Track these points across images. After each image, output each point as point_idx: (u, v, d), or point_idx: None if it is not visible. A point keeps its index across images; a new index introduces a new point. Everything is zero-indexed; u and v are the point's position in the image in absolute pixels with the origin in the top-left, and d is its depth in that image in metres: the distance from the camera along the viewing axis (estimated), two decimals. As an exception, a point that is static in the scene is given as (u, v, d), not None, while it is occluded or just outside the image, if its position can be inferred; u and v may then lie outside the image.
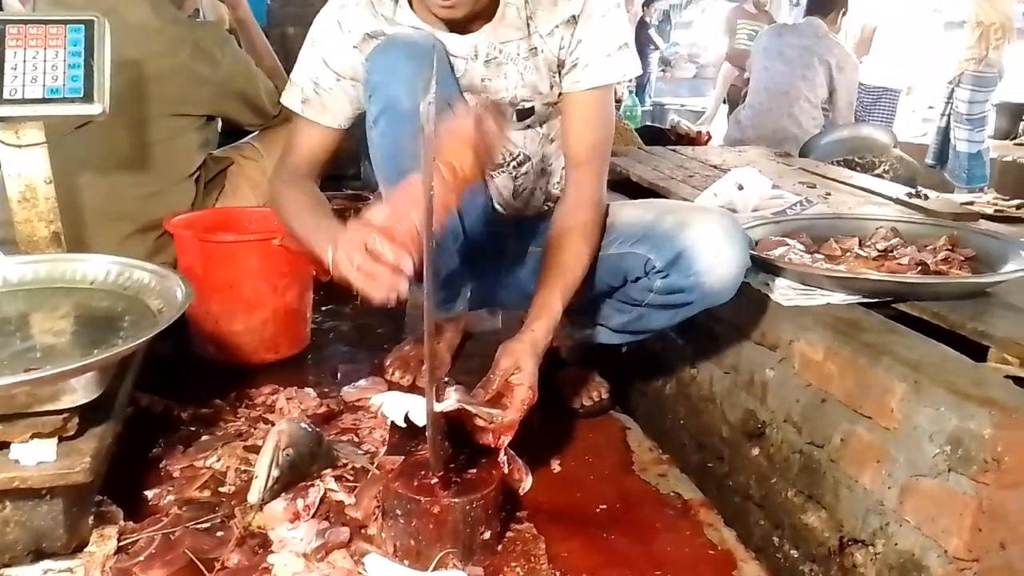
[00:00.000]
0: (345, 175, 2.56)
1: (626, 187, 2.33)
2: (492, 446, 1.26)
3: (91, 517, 1.22)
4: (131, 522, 1.28)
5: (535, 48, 1.43)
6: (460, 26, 1.40)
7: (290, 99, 1.50)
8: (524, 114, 1.51)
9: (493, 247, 1.66)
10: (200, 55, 1.96)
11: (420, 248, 1.07)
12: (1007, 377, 1.05)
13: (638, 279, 1.46)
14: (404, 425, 1.24)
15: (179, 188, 2.01)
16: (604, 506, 1.45)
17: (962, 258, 1.45)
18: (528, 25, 1.42)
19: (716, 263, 1.34)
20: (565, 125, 1.49)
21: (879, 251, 1.52)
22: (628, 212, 1.52)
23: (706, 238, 1.35)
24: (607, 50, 1.42)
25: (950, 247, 1.49)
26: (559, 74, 1.46)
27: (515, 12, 1.41)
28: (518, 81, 1.46)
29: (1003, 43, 4.56)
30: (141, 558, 1.19)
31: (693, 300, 1.39)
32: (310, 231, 1.38)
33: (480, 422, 1.22)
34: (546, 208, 1.67)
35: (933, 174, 4.57)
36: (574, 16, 1.41)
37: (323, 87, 1.45)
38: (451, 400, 1.18)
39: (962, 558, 0.96)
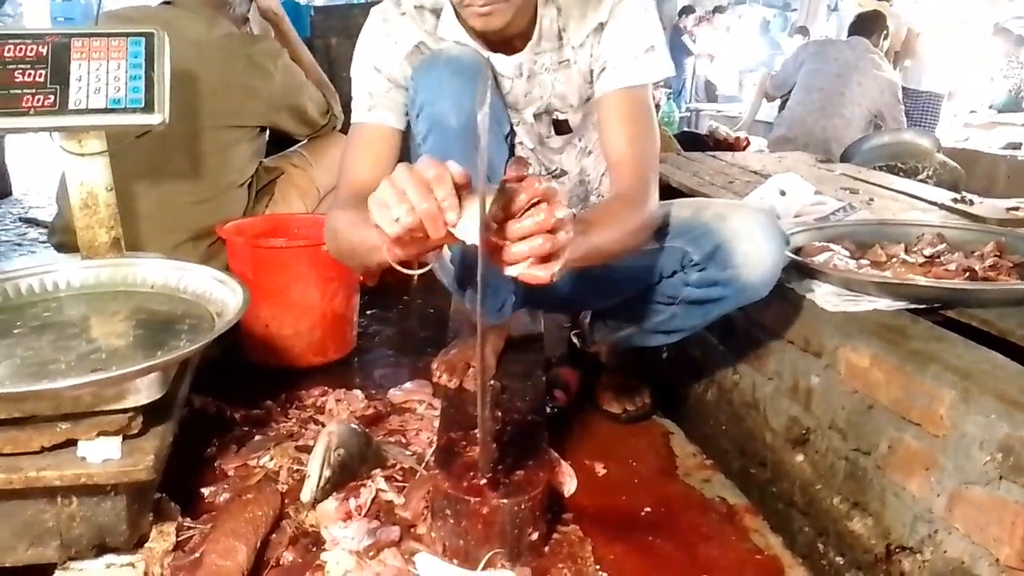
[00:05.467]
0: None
1: (666, 193, 2.32)
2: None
3: (151, 513, 1.25)
4: (188, 519, 1.32)
5: (567, 60, 1.45)
6: (505, 45, 1.42)
7: (357, 115, 1.44)
8: (561, 129, 1.52)
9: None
10: (254, 69, 2.01)
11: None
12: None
13: (674, 273, 1.47)
14: None
15: (231, 196, 2.06)
16: (648, 510, 1.46)
17: (1010, 264, 1.44)
18: (560, 37, 1.44)
19: (754, 256, 1.34)
20: (600, 128, 1.47)
21: (926, 257, 1.51)
22: (662, 210, 1.51)
23: (744, 232, 1.35)
24: (634, 52, 1.42)
25: (998, 253, 1.49)
26: (592, 82, 1.47)
27: (549, 24, 1.42)
28: (550, 90, 1.47)
29: None
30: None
31: (728, 294, 1.40)
32: (365, 232, 1.14)
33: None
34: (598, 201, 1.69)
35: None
36: (601, 24, 1.42)
37: (378, 93, 1.43)
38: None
39: (1014, 567, 0.96)
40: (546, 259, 0.93)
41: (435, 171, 0.89)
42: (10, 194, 4.39)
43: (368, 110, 1.43)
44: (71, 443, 1.13)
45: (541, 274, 0.93)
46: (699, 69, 10.10)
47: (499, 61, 1.43)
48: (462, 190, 0.90)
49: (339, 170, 1.46)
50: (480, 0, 1.27)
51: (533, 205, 0.91)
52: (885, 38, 4.10)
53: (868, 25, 4.09)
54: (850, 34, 4.18)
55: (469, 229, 0.90)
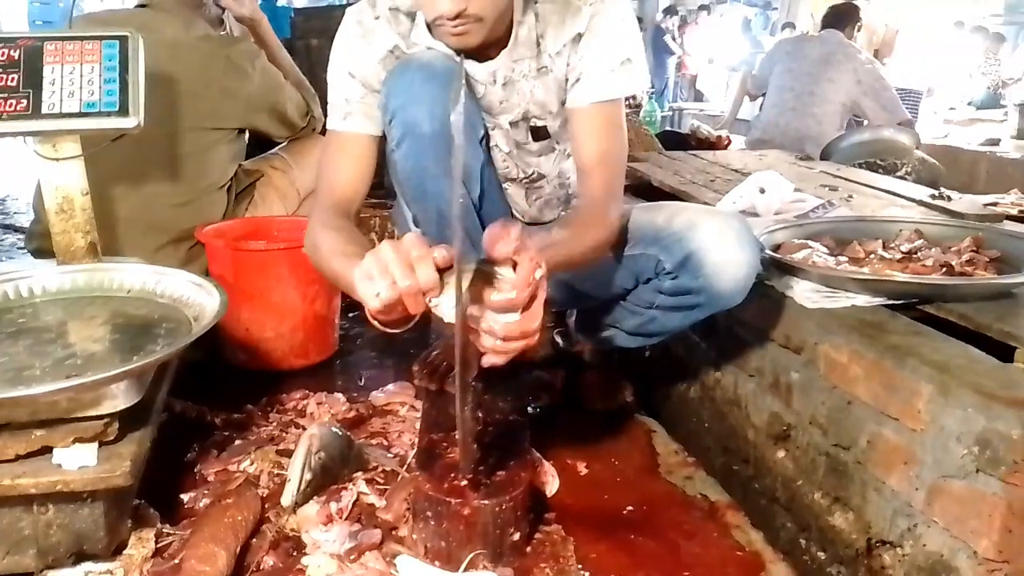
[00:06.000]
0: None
1: (648, 192, 2.34)
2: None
3: (130, 520, 1.24)
4: (167, 525, 1.31)
5: (545, 67, 1.43)
6: (478, 53, 1.39)
7: (333, 122, 1.44)
8: (539, 134, 1.51)
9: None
10: (232, 70, 2.00)
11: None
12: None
13: (649, 280, 1.47)
14: None
15: (211, 199, 2.05)
16: (631, 508, 1.46)
17: (987, 259, 1.45)
18: (538, 44, 1.42)
19: (725, 265, 1.34)
20: (572, 138, 1.46)
21: (903, 253, 1.52)
22: (640, 215, 1.50)
23: (715, 240, 1.34)
24: (610, 65, 1.40)
25: (975, 248, 1.49)
26: (566, 91, 1.45)
27: (526, 32, 1.40)
28: (529, 98, 1.46)
29: None
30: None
31: (702, 302, 1.39)
32: (345, 267, 1.16)
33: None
34: (563, 214, 1.69)
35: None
36: (579, 34, 1.40)
37: (354, 99, 1.42)
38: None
39: (992, 559, 0.97)
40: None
41: (418, 251, 0.95)
42: None
43: (344, 118, 1.42)
44: (46, 450, 1.12)
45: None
46: (690, 70, 10.16)
47: (472, 66, 1.42)
48: (444, 269, 0.96)
49: (317, 176, 1.46)
50: (453, 21, 1.24)
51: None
52: (859, 29, 4.11)
53: (841, 17, 4.07)
54: (823, 28, 4.18)
55: (447, 308, 0.97)
